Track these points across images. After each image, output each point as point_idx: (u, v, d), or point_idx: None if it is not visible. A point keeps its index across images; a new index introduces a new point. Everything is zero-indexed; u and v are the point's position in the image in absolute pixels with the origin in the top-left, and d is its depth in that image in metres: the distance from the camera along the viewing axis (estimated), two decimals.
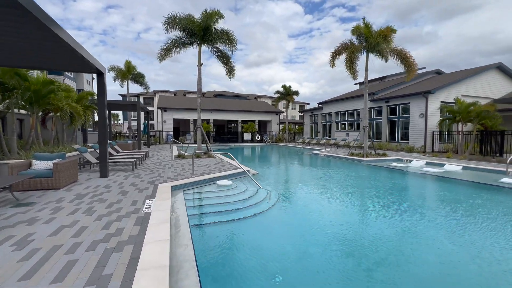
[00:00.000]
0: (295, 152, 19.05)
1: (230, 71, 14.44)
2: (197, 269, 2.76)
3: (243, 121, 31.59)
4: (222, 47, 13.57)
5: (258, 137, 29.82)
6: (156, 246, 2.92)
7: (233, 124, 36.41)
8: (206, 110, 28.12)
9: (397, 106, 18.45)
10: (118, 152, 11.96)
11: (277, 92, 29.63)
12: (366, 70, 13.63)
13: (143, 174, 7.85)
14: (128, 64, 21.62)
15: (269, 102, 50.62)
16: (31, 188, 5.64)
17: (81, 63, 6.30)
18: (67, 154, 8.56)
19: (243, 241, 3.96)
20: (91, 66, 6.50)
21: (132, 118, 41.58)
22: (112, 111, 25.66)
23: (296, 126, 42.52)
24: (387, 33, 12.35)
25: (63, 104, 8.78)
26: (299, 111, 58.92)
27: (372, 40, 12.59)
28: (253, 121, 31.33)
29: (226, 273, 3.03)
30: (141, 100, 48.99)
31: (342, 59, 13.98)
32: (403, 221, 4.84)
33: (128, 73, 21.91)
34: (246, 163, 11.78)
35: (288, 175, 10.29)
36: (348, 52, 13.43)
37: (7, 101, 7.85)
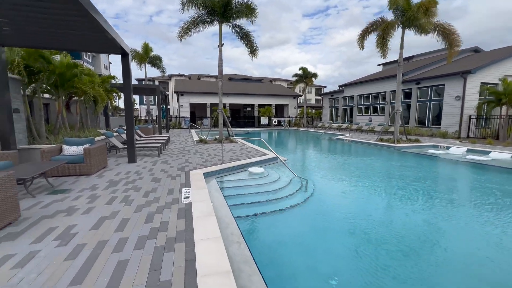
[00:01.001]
0: (317, 137, 18.36)
1: (253, 51, 13.69)
2: (260, 272, 2.42)
3: (260, 105, 30.88)
4: (242, 24, 12.76)
5: (275, 122, 29.16)
6: (210, 245, 2.59)
7: (248, 109, 35.79)
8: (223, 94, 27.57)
9: (429, 88, 17.06)
10: (141, 137, 11.86)
11: (295, 75, 28.41)
12: (401, 48, 12.45)
13: (170, 160, 7.63)
14: (146, 47, 21.12)
15: (284, 85, 49.13)
16: (63, 174, 5.52)
17: (108, 43, 5.92)
18: (96, 138, 8.46)
19: (291, 235, 3.61)
20: (116, 46, 6.11)
21: (149, 103, 41.82)
22: None
23: (314, 110, 41.20)
24: (428, 6, 11.02)
25: (88, 87, 8.57)
26: (316, 95, 57.03)
27: (410, 14, 11.33)
28: (270, 105, 30.53)
29: (288, 274, 2.69)
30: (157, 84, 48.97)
31: (368, 39, 12.85)
32: (473, 220, 4.28)
33: (146, 56, 21.48)
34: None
35: (319, 162, 9.77)
36: (381, 29, 12.22)
37: (33, 85, 7.70)
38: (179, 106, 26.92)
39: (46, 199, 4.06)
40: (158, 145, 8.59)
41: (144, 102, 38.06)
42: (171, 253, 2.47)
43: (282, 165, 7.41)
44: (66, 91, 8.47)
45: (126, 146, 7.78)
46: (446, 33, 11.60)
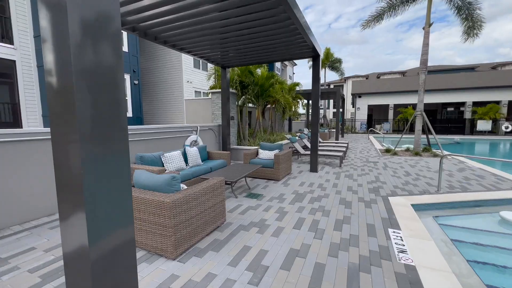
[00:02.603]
0: None
1: (473, 27, 9.22)
2: None
3: (474, 103, 21.64)
4: None
5: (507, 128, 19.09)
6: None
7: (450, 109, 26.44)
8: (409, 92, 22.18)
9: None
10: (319, 142, 11.63)
11: None
12: None
13: (355, 174, 6.36)
14: (327, 52, 21.49)
15: None
16: (257, 176, 5.97)
17: (304, 47, 5.75)
18: (282, 142, 9.11)
19: None
20: (310, 49, 5.78)
21: (325, 107, 43.17)
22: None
23: None
24: None
25: (280, 96, 9.44)
26: None
27: None
28: (497, 102, 20.46)
29: None
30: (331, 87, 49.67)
31: None
32: None
33: (326, 61, 21.84)
34: None
35: None
36: None
37: (243, 96, 9.49)
38: (355, 109, 25.00)
39: (244, 202, 4.25)
40: (340, 154, 7.63)
41: (321, 106, 39.77)
42: None
43: None
44: (264, 100, 9.75)
45: (308, 153, 7.52)
46: None
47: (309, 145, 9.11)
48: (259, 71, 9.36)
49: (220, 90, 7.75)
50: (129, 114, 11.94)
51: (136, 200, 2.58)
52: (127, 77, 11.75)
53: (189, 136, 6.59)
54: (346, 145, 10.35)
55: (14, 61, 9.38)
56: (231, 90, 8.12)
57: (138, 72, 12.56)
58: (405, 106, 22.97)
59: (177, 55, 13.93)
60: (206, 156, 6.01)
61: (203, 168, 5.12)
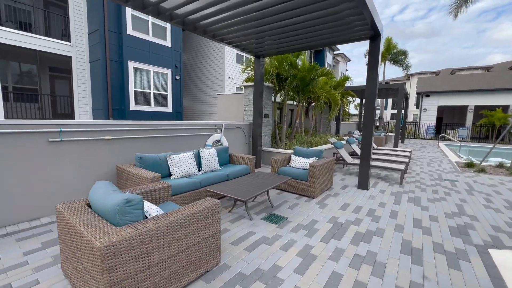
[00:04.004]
0: None
1: None
2: None
3: None
4: None
5: None
6: None
7: None
8: (496, 90, 17.57)
9: None
10: (372, 148, 9.68)
11: None
12: None
13: (424, 198, 4.60)
14: (388, 42, 18.27)
15: None
16: (286, 189, 4.77)
17: (357, 25, 4.32)
18: (323, 147, 7.63)
19: None
20: (367, 26, 4.28)
21: (382, 107, 38.64)
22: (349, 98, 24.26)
23: None
24: None
25: (322, 92, 7.94)
26: None
27: None
28: None
29: None
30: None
31: None
32: None
33: (387, 53, 18.71)
34: None
35: None
36: None
37: (282, 92, 8.30)
38: (420, 110, 21.14)
39: (259, 227, 3.14)
40: (401, 166, 5.84)
41: (378, 107, 35.60)
42: None
43: None
44: (306, 96, 8.37)
45: (357, 162, 5.97)
46: None
47: (358, 151, 7.42)
48: (299, 63, 8.03)
49: (253, 83, 6.73)
50: (169, 109, 11.95)
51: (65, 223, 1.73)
52: (168, 72, 11.75)
53: (213, 134, 5.76)
54: (408, 154, 8.23)
55: (70, 57, 10.10)
56: (266, 83, 7.02)
57: (181, 67, 12.50)
58: (491, 108, 18.31)
59: (220, 50, 13.52)
60: (227, 159, 5.08)
61: (218, 175, 4.18)
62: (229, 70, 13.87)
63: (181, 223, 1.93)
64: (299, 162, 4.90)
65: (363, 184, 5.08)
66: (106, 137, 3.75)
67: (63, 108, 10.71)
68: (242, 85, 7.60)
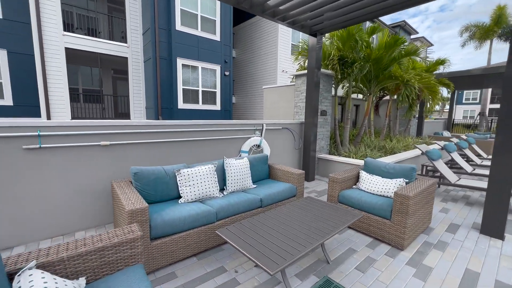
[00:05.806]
0: None
1: None
2: None
3: None
4: None
5: None
6: None
7: None
8: None
9: None
10: (480, 157, 6.82)
11: None
12: None
13: None
14: (500, 11, 13.27)
15: None
16: (357, 228, 3.09)
17: None
18: (401, 156, 5.44)
19: None
20: None
21: (468, 101, 31.03)
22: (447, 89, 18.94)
23: None
24: None
25: (411, 76, 5.63)
26: None
27: None
28: None
29: None
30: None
31: None
32: None
33: (496, 27, 13.80)
34: None
35: None
36: None
37: (345, 82, 6.40)
38: None
39: None
40: None
41: (464, 101, 28.66)
42: None
43: None
44: (380, 85, 6.24)
45: (472, 184, 3.78)
46: None
47: (464, 165, 4.99)
48: (375, 38, 5.94)
49: (306, 71, 5.14)
50: (217, 107, 11.32)
51: None
52: (217, 67, 11.09)
53: (250, 137, 4.47)
54: None
55: (126, 58, 10.42)
56: (324, 70, 5.32)
57: (230, 63, 11.73)
58: None
59: (274, 40, 12.23)
60: (265, 172, 3.70)
61: (248, 199, 2.85)
62: (282, 63, 12.45)
63: None
64: (375, 184, 3.14)
65: (492, 228, 2.95)
66: (102, 143, 2.86)
67: (123, 108, 11.23)
68: (293, 74, 6.07)
